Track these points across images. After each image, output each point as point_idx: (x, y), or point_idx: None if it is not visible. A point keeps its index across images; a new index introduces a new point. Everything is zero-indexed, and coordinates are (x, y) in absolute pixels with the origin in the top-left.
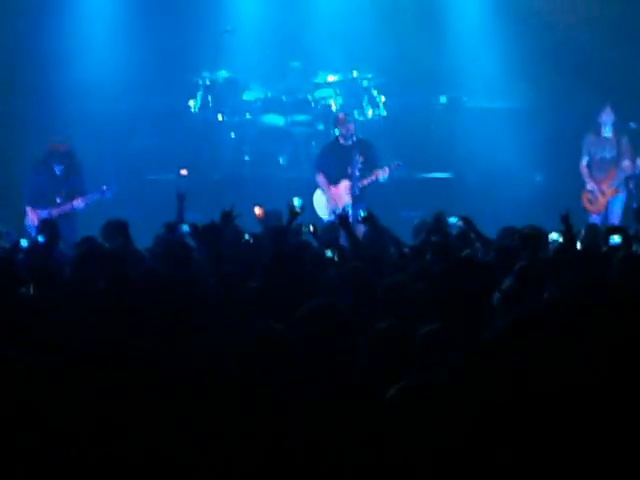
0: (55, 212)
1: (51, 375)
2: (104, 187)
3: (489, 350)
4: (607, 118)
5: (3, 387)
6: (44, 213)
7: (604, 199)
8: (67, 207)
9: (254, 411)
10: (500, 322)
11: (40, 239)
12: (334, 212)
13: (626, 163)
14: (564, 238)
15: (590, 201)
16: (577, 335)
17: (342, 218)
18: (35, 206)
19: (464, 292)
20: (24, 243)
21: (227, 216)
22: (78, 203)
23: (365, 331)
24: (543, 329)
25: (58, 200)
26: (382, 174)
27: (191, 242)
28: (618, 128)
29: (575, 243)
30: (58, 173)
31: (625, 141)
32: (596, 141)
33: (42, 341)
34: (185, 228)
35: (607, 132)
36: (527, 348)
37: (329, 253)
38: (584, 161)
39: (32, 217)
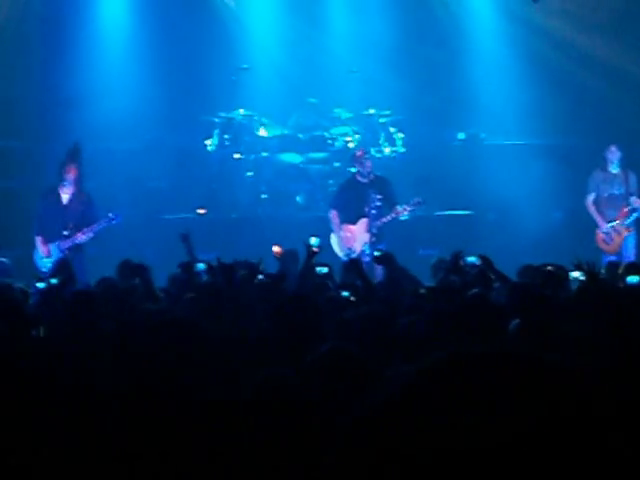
0: (64, 246)
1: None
2: (110, 215)
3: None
4: (613, 156)
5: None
6: (53, 246)
7: (619, 238)
8: (75, 239)
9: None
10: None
11: (53, 281)
12: (349, 252)
13: (635, 199)
14: (587, 277)
15: (605, 241)
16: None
17: (353, 261)
18: (44, 236)
19: (474, 332)
20: (40, 285)
21: (255, 269)
22: (84, 235)
23: (379, 376)
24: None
25: (65, 232)
26: (402, 212)
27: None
28: (625, 165)
29: (598, 281)
30: (65, 203)
31: (634, 178)
32: (604, 178)
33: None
34: (201, 267)
35: (614, 168)
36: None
37: (345, 294)
38: (590, 198)
39: (42, 249)
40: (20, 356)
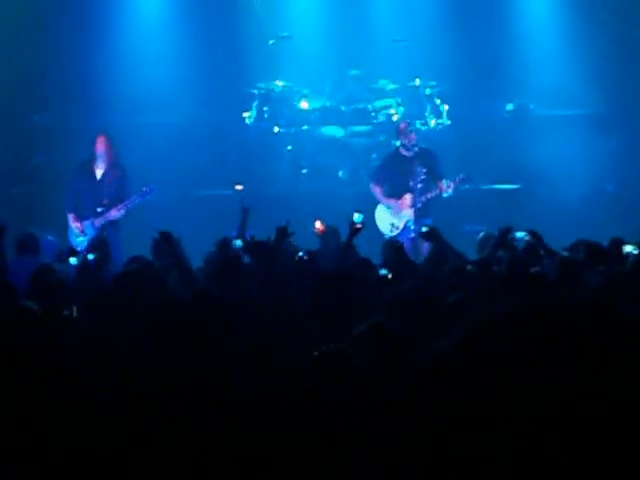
0: (98, 223)
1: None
2: (144, 188)
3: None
4: None
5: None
6: (87, 223)
7: None
8: (109, 216)
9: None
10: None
11: (90, 257)
12: (393, 228)
13: None
14: None
15: None
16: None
17: (394, 245)
18: (76, 213)
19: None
20: (74, 261)
21: (282, 233)
22: (118, 212)
23: (420, 352)
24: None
25: (99, 209)
26: (447, 189)
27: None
28: None
29: None
30: (99, 178)
31: None
32: None
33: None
34: (238, 244)
35: None
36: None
37: (384, 271)
38: None
39: (75, 225)
40: (52, 340)
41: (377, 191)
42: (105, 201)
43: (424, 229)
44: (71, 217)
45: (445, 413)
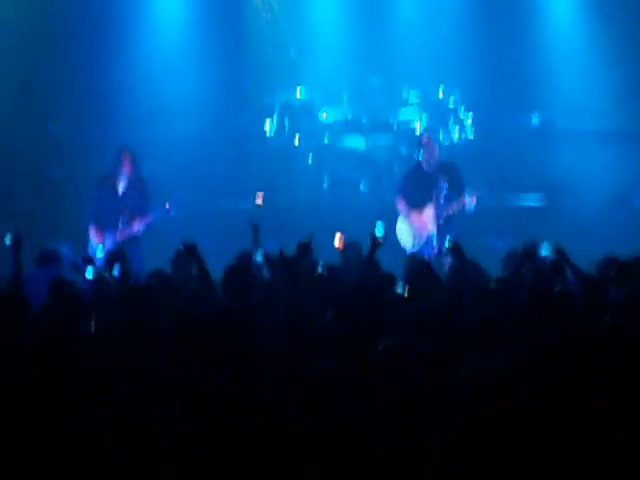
0: (119, 237)
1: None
2: (167, 205)
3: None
4: None
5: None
6: (109, 238)
7: None
8: (130, 231)
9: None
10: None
11: (115, 273)
12: (415, 243)
13: None
14: None
15: None
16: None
17: (418, 260)
18: (98, 226)
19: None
20: (89, 275)
21: (304, 249)
22: (138, 226)
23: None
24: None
25: (120, 223)
26: (469, 204)
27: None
28: None
29: None
30: (121, 192)
31: None
32: None
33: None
34: (259, 258)
35: None
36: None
37: (399, 290)
38: None
39: (96, 238)
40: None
41: (402, 206)
42: (126, 215)
43: (449, 244)
44: (92, 230)
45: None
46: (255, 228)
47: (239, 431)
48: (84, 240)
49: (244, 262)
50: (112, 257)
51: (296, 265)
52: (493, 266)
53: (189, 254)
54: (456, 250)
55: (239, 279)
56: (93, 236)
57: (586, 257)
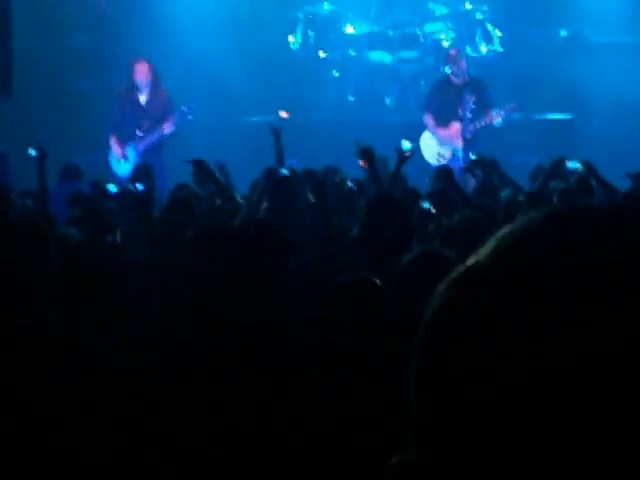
0: (140, 148)
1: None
2: (184, 108)
3: None
4: None
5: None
6: (129, 148)
7: None
8: (150, 139)
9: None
10: None
11: (140, 187)
12: (440, 158)
13: None
14: None
15: None
16: None
17: (445, 170)
18: (118, 138)
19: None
20: (113, 189)
21: (367, 154)
22: (158, 133)
23: None
24: None
25: (139, 132)
26: (496, 118)
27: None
28: None
29: None
30: (143, 104)
31: None
32: None
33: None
34: (284, 172)
35: None
36: None
37: (426, 205)
38: None
39: (117, 150)
40: (99, 261)
41: (429, 120)
42: (145, 124)
43: (473, 157)
44: (113, 141)
45: None
46: (277, 134)
47: (264, 357)
48: (105, 154)
49: (271, 176)
50: (137, 171)
51: (325, 179)
52: (521, 182)
53: (200, 171)
54: (481, 163)
55: (267, 194)
56: (115, 149)
57: (615, 173)
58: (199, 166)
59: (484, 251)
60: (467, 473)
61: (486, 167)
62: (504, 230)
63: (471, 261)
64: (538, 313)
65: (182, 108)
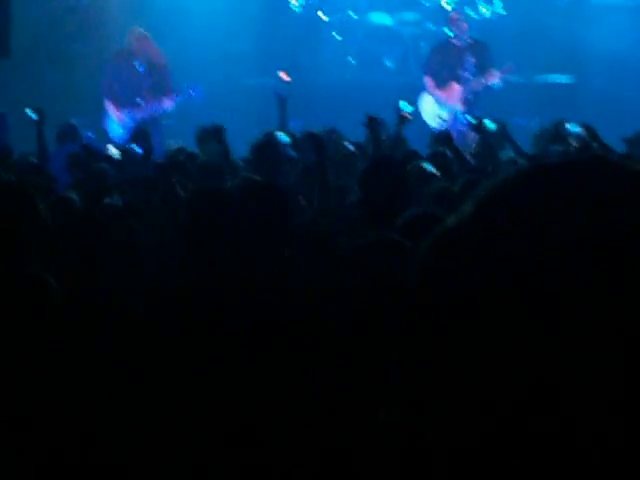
0: (138, 115)
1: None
2: (191, 91)
3: None
4: None
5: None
6: (126, 114)
7: None
8: (151, 109)
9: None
10: None
11: (137, 149)
12: (440, 120)
13: None
14: None
15: None
16: None
17: (444, 133)
18: (114, 101)
19: None
20: (115, 153)
21: (374, 122)
22: (161, 106)
23: None
24: None
25: (139, 100)
26: (493, 79)
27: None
28: None
29: None
30: (140, 69)
31: None
32: None
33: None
34: (284, 138)
35: None
36: None
37: (428, 166)
38: None
39: (114, 113)
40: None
41: (429, 82)
42: (145, 92)
43: (473, 120)
44: (109, 104)
45: None
46: (282, 101)
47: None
48: (102, 115)
49: (271, 139)
50: (135, 134)
51: (324, 143)
52: (522, 145)
53: (215, 134)
54: (481, 126)
55: (266, 156)
56: (111, 111)
57: (615, 135)
58: (216, 130)
59: (464, 209)
60: (447, 431)
61: (482, 130)
62: (483, 188)
63: (451, 220)
64: (517, 268)
65: (190, 91)
